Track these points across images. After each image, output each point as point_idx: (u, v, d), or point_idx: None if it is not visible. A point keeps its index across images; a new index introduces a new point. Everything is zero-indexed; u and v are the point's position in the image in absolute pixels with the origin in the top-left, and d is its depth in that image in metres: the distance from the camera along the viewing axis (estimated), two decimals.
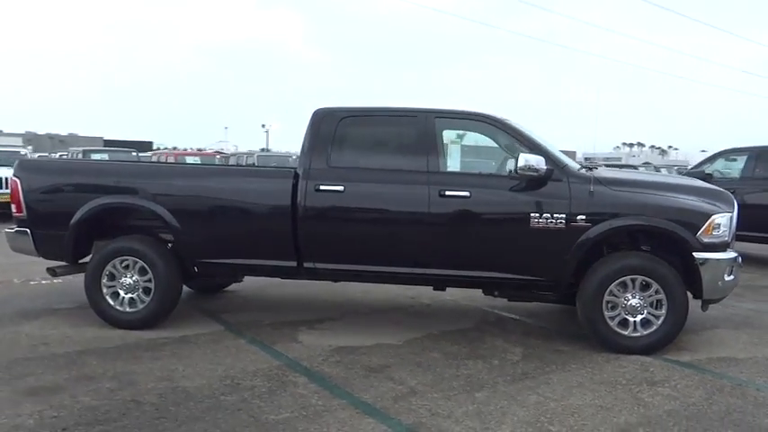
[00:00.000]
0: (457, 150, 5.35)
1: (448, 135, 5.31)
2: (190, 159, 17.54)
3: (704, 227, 4.80)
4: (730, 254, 4.93)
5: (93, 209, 5.29)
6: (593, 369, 4.56)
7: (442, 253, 5.03)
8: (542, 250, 4.91)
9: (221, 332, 5.35)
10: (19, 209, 5.45)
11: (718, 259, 4.84)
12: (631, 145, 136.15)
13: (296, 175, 5.17)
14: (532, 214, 4.86)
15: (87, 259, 5.68)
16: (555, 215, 4.84)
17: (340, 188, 5.06)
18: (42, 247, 5.47)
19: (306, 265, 5.20)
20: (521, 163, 4.74)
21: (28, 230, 5.44)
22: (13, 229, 5.59)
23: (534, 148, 4.99)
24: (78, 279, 6.76)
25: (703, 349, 5.09)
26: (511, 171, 5.10)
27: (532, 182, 4.88)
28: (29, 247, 5.50)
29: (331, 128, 5.21)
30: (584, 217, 4.82)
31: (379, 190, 5.08)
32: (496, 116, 5.17)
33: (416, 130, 5.14)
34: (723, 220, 4.87)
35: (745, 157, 9.87)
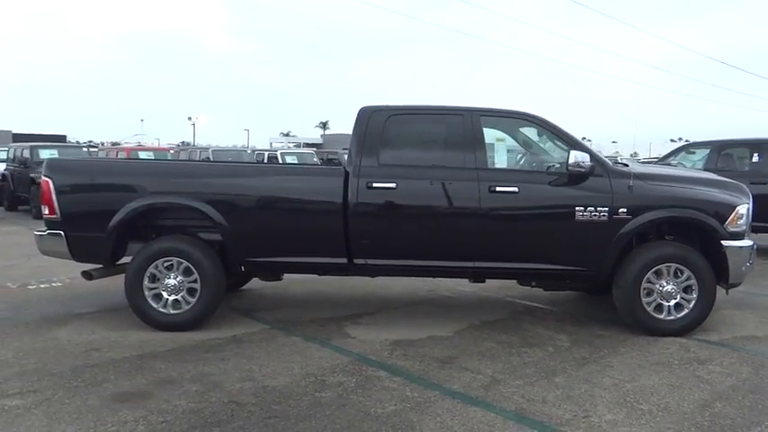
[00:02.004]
0: (503, 148, 5.55)
1: (493, 133, 5.50)
2: (143, 154, 16.94)
3: (731, 217, 5.23)
4: (749, 241, 5.39)
5: (137, 209, 5.15)
6: (641, 352, 4.89)
7: (491, 246, 5.23)
8: (586, 242, 5.19)
9: (269, 331, 5.34)
10: (52, 210, 5.23)
11: (741, 246, 5.29)
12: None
13: (346, 173, 5.23)
14: (578, 208, 5.14)
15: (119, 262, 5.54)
16: (599, 209, 5.13)
17: (392, 185, 5.16)
18: (78, 249, 5.28)
19: (356, 261, 5.27)
20: (571, 160, 5.00)
21: (62, 233, 5.23)
22: (43, 231, 5.34)
23: (576, 145, 5.26)
24: (79, 282, 6.63)
25: (724, 330, 5.53)
26: (549, 167, 5.37)
27: (577, 177, 5.16)
28: (62, 250, 5.29)
29: (379, 126, 5.30)
30: (625, 210, 5.14)
31: (430, 186, 5.21)
32: (538, 115, 5.41)
33: (463, 129, 5.31)
34: (744, 211, 5.32)
35: (706, 151, 10.61)
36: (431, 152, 5.52)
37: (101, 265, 5.47)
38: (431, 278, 6.58)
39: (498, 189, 5.15)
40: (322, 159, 21.93)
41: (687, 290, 5.25)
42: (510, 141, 5.62)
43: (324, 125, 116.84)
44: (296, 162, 18.63)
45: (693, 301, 5.25)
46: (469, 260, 5.28)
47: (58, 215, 5.22)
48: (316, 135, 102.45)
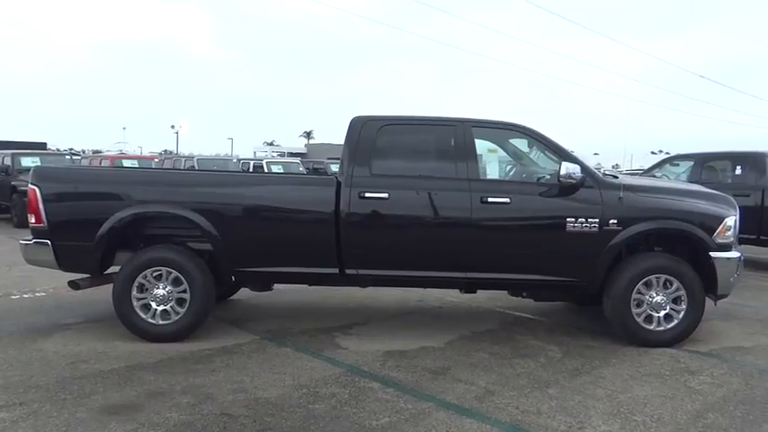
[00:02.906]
0: (494, 158, 5.58)
1: (484, 144, 5.52)
2: (127, 163, 16.77)
3: (719, 229, 5.29)
4: (737, 253, 5.45)
5: (126, 218, 5.09)
6: (633, 363, 4.91)
7: (484, 257, 5.23)
8: (577, 253, 5.21)
9: (259, 342, 5.28)
10: (38, 219, 5.14)
11: (729, 258, 5.34)
12: None
13: (338, 183, 5.21)
14: (569, 219, 5.16)
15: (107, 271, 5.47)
16: (589, 220, 5.16)
17: (384, 195, 5.15)
18: (65, 258, 5.19)
19: (348, 271, 5.24)
20: (562, 171, 5.03)
21: (49, 242, 5.14)
22: (29, 240, 5.25)
23: (566, 157, 5.29)
24: (63, 292, 6.54)
25: (712, 340, 5.57)
26: (540, 178, 5.41)
27: (568, 189, 5.18)
28: (48, 259, 5.20)
29: (371, 136, 5.29)
30: (615, 221, 5.17)
31: (422, 197, 5.21)
32: (529, 126, 5.44)
33: (455, 139, 5.32)
34: (732, 222, 5.38)
35: (690, 164, 10.75)
36: (423, 162, 5.52)
37: (88, 275, 5.39)
38: (420, 288, 6.57)
39: (490, 200, 5.16)
40: (308, 169, 21.90)
41: (676, 301, 5.29)
42: (501, 152, 5.64)
43: (308, 135, 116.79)
44: (282, 171, 18.56)
45: (683, 312, 5.28)
46: (461, 270, 5.28)
47: (45, 224, 5.13)
48: (300, 144, 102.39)
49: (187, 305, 5.15)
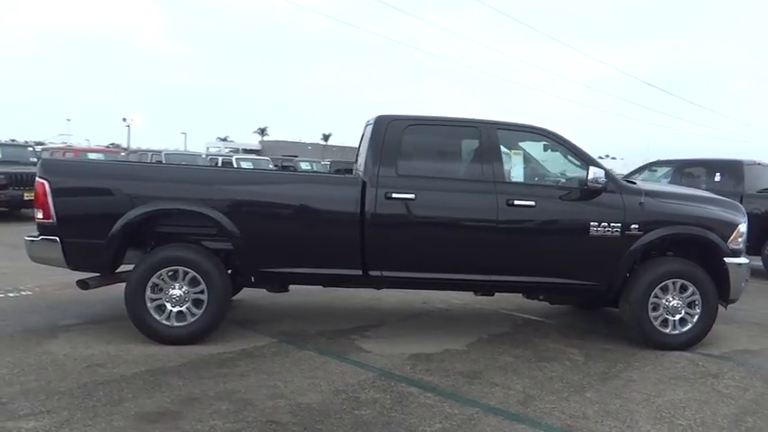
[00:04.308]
0: (518, 161, 5.56)
1: (509, 146, 5.49)
2: (93, 156, 16.08)
3: (733, 235, 5.42)
4: (747, 259, 5.60)
5: (142, 215, 4.85)
6: (654, 366, 4.96)
7: (509, 260, 5.21)
8: (599, 257, 5.25)
9: (277, 344, 5.12)
10: (47, 215, 4.85)
11: (740, 263, 5.48)
12: None
13: (363, 183, 5.10)
14: (592, 223, 5.19)
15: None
16: (612, 224, 5.20)
17: (411, 196, 5.07)
18: (74, 256, 4.91)
19: (372, 273, 5.13)
20: (590, 175, 5.06)
21: (57, 238, 4.86)
22: (35, 237, 4.95)
23: (589, 160, 5.33)
24: (49, 291, 6.27)
25: (721, 344, 5.69)
26: (563, 182, 5.43)
27: (591, 193, 5.21)
28: (56, 257, 4.91)
29: (397, 135, 5.20)
30: (636, 226, 5.23)
31: (449, 199, 5.15)
32: (552, 130, 5.45)
33: (480, 141, 5.28)
34: (744, 229, 5.53)
35: (667, 169, 11.04)
36: (448, 163, 5.48)
37: (97, 274, 5.12)
38: (439, 291, 6.50)
39: (516, 203, 5.14)
40: (276, 166, 21.50)
41: (691, 305, 5.39)
42: (525, 155, 5.63)
43: (262, 131, 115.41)
44: (252, 168, 18.20)
45: (697, 316, 5.39)
46: (485, 273, 5.25)
47: (54, 219, 4.85)
48: (254, 141, 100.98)
49: (204, 306, 4.95)
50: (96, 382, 4.13)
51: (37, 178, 4.92)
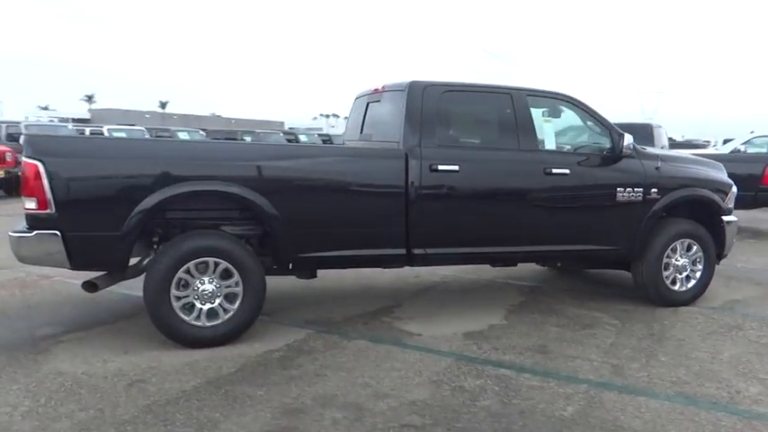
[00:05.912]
0: (549, 129, 5.43)
1: (539, 114, 5.34)
2: None
3: (729, 195, 5.79)
4: (735, 217, 6.02)
5: (164, 200, 4.09)
6: (683, 324, 5.17)
7: (546, 230, 5.13)
8: (624, 222, 5.35)
9: (320, 336, 4.64)
10: (43, 204, 3.91)
11: (732, 221, 5.88)
12: (328, 116, 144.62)
13: (405, 155, 4.71)
14: (618, 189, 5.27)
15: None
16: (635, 189, 5.31)
17: (455, 167, 4.78)
18: (81, 253, 4.04)
19: (416, 251, 4.80)
20: (626, 142, 5.09)
21: (58, 233, 3.95)
22: (26, 232, 3.98)
23: (609, 127, 5.37)
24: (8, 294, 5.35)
25: (714, 297, 6.03)
26: (590, 149, 5.44)
27: (615, 159, 5.27)
28: (56, 256, 4.00)
29: (434, 102, 4.86)
30: (656, 190, 5.39)
31: (492, 169, 4.94)
32: (576, 97, 5.40)
33: (513, 109, 5.09)
34: (735, 188, 5.92)
35: None
36: (485, 133, 5.24)
37: (104, 272, 4.28)
38: (475, 265, 6.27)
39: (553, 171, 5.06)
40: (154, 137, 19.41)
41: (694, 263, 5.70)
42: (554, 123, 5.54)
43: (89, 98, 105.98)
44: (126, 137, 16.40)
45: (699, 273, 5.71)
46: (523, 244, 5.14)
47: (53, 210, 3.93)
48: (81, 109, 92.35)
49: (240, 300, 4.34)
50: (158, 402, 3.46)
51: (24, 158, 3.95)
